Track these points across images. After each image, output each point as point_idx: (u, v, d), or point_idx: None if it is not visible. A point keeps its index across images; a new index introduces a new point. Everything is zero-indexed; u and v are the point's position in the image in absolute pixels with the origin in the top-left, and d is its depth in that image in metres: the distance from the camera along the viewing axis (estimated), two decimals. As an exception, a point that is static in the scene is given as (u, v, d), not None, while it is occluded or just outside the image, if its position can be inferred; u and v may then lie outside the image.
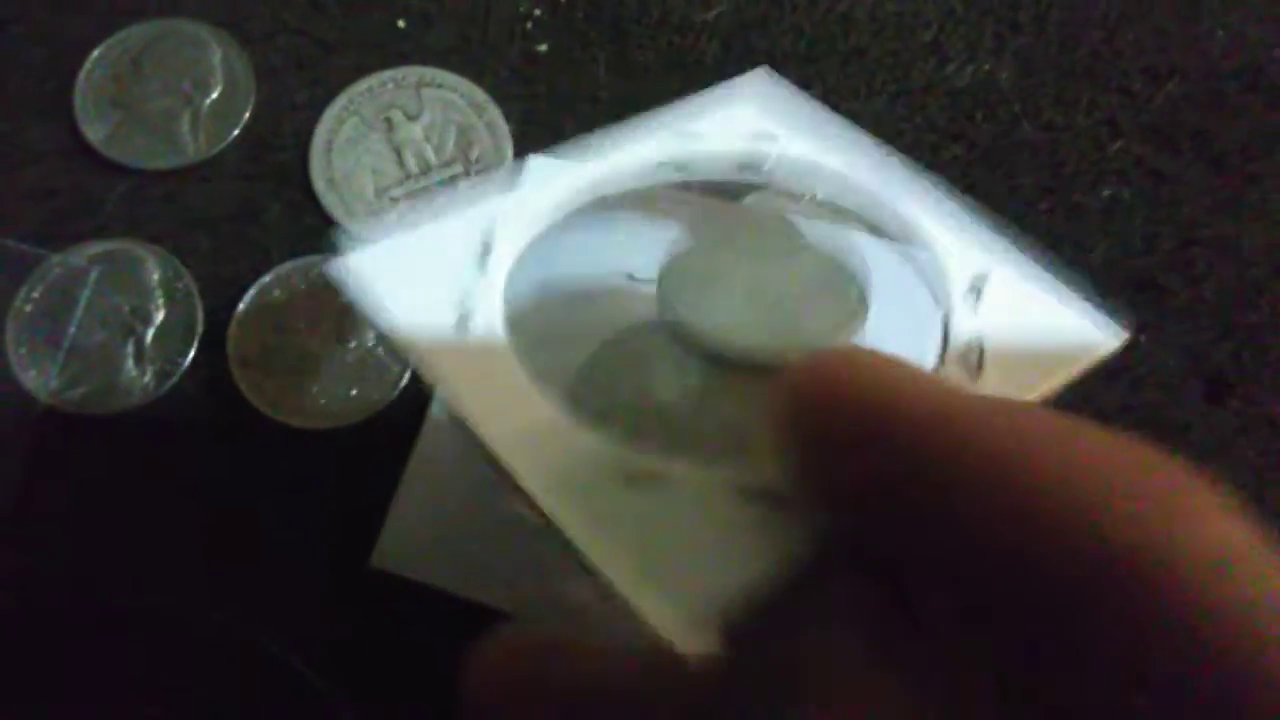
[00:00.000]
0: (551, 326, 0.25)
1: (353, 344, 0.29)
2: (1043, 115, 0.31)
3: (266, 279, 0.30)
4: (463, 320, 0.22)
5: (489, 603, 0.26)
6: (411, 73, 0.32)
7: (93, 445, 0.29)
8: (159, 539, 0.28)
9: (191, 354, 0.29)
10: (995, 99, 0.31)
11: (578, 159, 0.26)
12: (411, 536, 0.27)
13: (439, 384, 0.21)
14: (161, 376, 0.29)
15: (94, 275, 0.29)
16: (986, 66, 0.31)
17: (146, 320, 0.29)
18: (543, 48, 0.32)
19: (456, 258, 0.23)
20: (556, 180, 0.24)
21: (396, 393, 0.29)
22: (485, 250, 0.23)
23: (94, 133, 0.31)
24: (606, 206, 0.25)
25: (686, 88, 0.31)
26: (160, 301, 0.29)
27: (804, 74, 0.31)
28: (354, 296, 0.22)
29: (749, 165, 0.25)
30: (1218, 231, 0.30)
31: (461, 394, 0.21)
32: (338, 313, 0.29)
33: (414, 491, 0.28)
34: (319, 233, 0.31)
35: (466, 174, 0.31)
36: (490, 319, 0.22)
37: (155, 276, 0.30)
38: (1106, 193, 0.30)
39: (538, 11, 0.33)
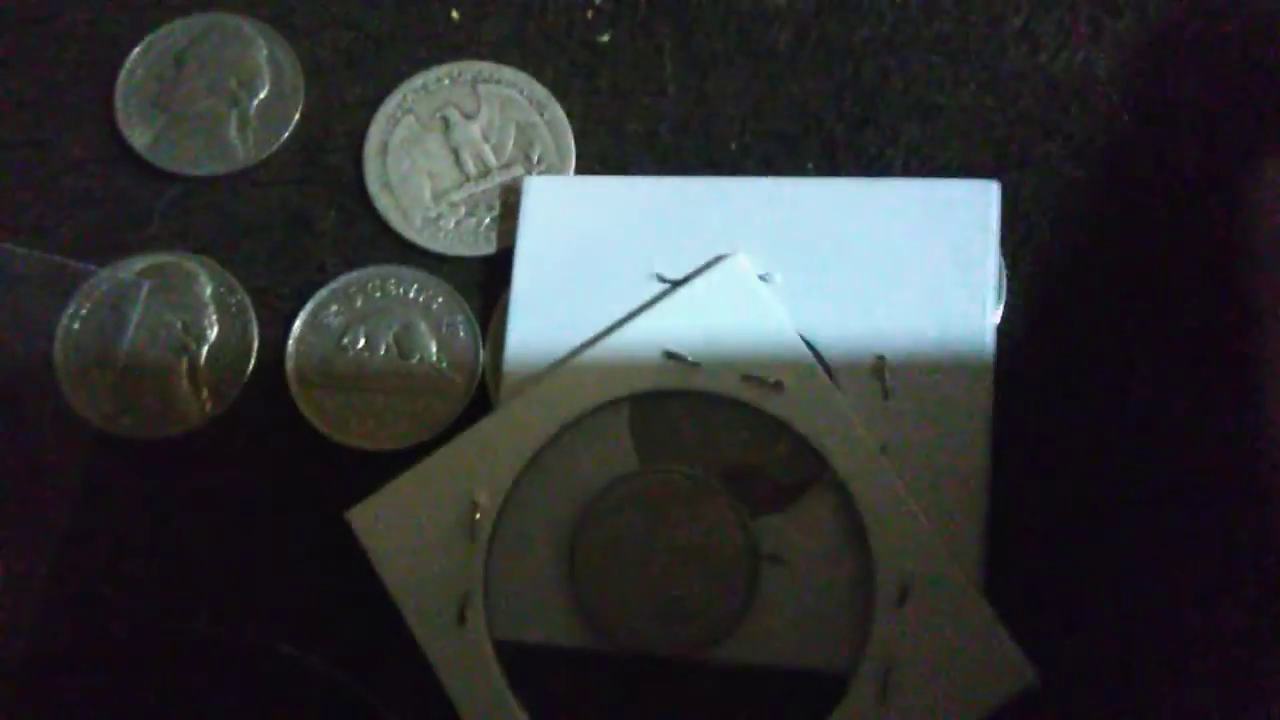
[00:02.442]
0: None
1: (416, 359, 0.28)
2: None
3: (323, 293, 0.28)
4: (460, 606, 0.25)
5: None
6: (468, 68, 0.30)
7: (148, 470, 0.28)
8: (218, 567, 0.27)
9: (248, 372, 0.28)
10: (1093, 89, 0.29)
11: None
12: None
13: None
14: (218, 396, 0.28)
15: (145, 291, 0.28)
16: (1082, 54, 0.29)
17: (200, 338, 0.28)
18: (605, 38, 0.30)
19: (447, 522, 0.26)
20: (530, 411, 0.26)
21: (463, 409, 0.28)
22: (473, 510, 0.26)
23: (137, 137, 0.29)
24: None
25: (757, 79, 0.30)
26: (214, 317, 0.28)
27: (884, 64, 0.29)
28: (366, 550, 0.26)
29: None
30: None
31: (455, 693, 0.25)
32: (400, 328, 0.28)
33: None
34: (375, 240, 0.29)
35: (528, 174, 0.29)
36: (478, 608, 0.25)
37: (207, 291, 0.28)
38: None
39: (599, -1, 0.31)
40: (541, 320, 0.27)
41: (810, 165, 0.29)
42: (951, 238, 0.26)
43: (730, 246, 0.27)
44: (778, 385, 0.25)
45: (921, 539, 0.24)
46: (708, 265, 0.27)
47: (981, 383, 0.25)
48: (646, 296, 0.27)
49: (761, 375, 0.26)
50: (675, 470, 0.26)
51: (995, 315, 0.26)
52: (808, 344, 0.26)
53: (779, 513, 0.26)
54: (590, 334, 0.27)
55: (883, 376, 0.26)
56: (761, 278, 0.27)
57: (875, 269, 0.26)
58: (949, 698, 0.23)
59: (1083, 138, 0.28)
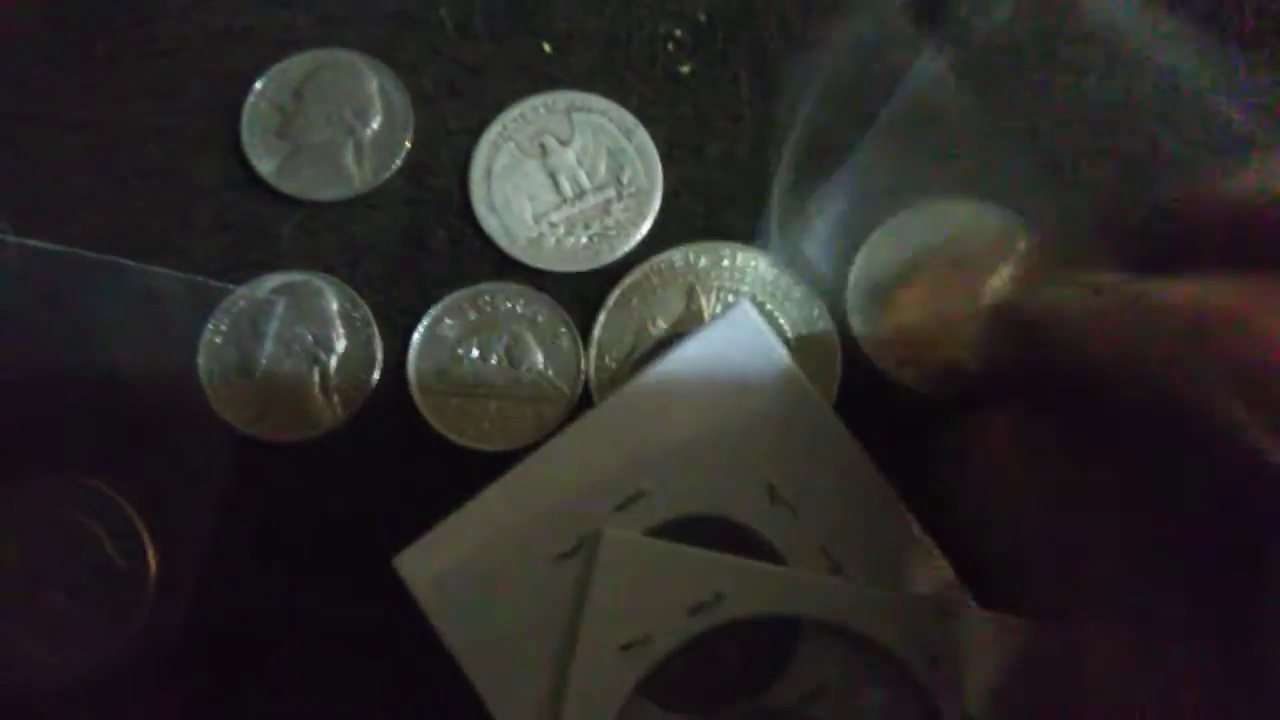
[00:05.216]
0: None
1: (525, 368, 0.31)
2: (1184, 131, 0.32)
3: (437, 309, 0.31)
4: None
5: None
6: (561, 97, 0.33)
7: (286, 471, 0.31)
8: (351, 555, 0.30)
9: (374, 380, 0.31)
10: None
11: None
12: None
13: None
14: (347, 404, 0.31)
15: (280, 307, 0.31)
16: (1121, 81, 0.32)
17: (329, 349, 0.31)
18: (685, 69, 0.33)
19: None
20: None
21: (569, 411, 0.31)
22: None
23: (263, 165, 0.32)
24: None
25: (825, 103, 0.33)
26: (341, 331, 0.31)
27: (942, 95, 0.32)
28: (413, 594, 0.28)
29: None
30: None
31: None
32: (509, 339, 0.31)
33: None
34: (483, 258, 0.32)
35: (619, 197, 0.32)
36: None
37: (334, 307, 0.31)
38: None
39: (678, 32, 0.33)
40: None
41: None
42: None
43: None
44: None
45: None
46: None
47: None
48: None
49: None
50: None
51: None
52: None
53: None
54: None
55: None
56: None
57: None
58: None
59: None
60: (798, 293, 0.31)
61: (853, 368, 0.31)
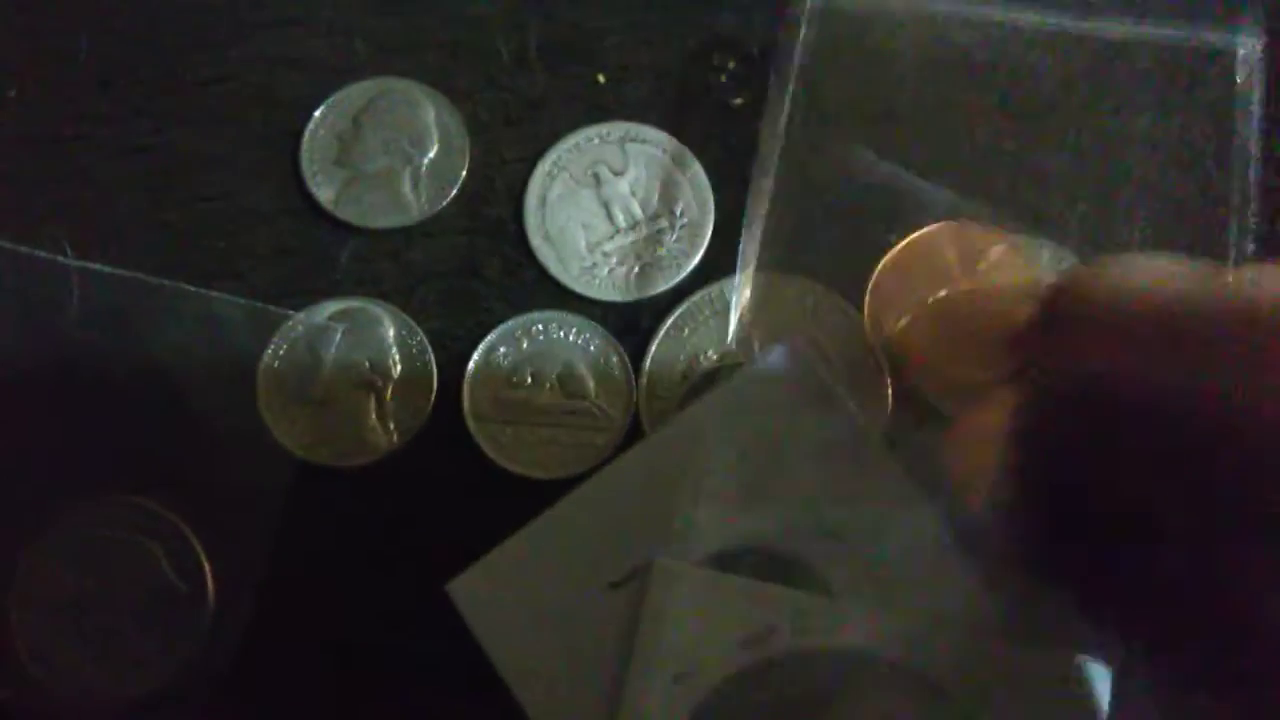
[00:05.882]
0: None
1: (578, 396, 0.31)
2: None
3: (492, 337, 0.32)
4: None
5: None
6: (616, 128, 0.33)
7: (343, 496, 0.31)
8: (405, 580, 0.31)
9: (429, 407, 0.31)
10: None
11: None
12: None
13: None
14: (403, 430, 0.31)
15: (338, 333, 0.31)
16: (1179, 119, 0.32)
17: (385, 376, 0.31)
18: (738, 101, 0.34)
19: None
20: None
21: (620, 440, 0.31)
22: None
23: (322, 193, 0.33)
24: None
25: (878, 138, 0.33)
26: (397, 357, 0.31)
27: (996, 128, 0.32)
28: (466, 620, 0.28)
29: None
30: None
31: None
32: (562, 368, 0.31)
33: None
34: (537, 286, 0.32)
35: (671, 228, 0.33)
36: None
37: (391, 333, 0.32)
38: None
39: (731, 64, 0.34)
40: None
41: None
42: None
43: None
44: None
45: None
46: None
47: None
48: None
49: None
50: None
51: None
52: None
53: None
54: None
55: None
56: None
57: None
58: None
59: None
60: (847, 324, 0.32)
61: (902, 399, 0.31)
